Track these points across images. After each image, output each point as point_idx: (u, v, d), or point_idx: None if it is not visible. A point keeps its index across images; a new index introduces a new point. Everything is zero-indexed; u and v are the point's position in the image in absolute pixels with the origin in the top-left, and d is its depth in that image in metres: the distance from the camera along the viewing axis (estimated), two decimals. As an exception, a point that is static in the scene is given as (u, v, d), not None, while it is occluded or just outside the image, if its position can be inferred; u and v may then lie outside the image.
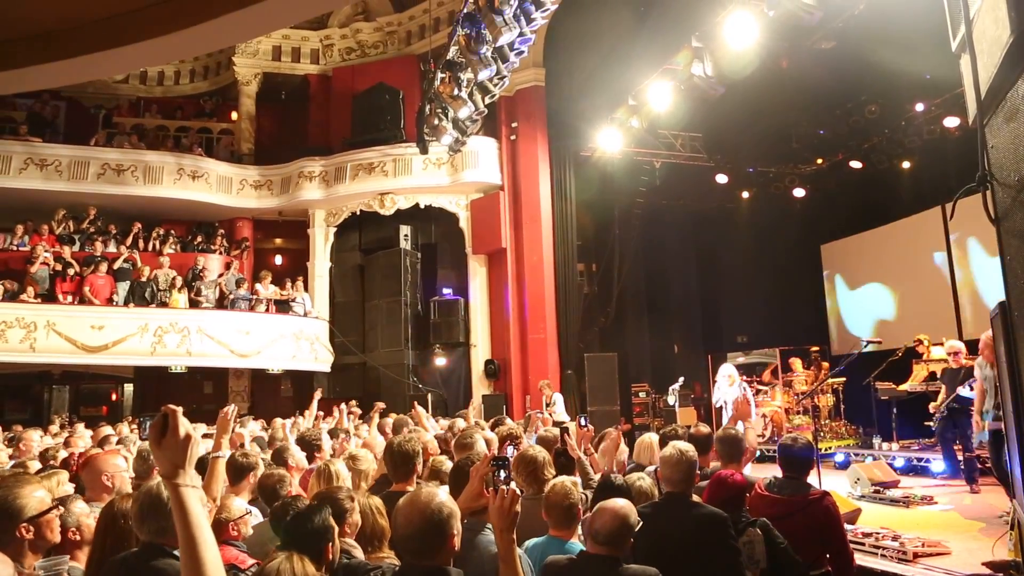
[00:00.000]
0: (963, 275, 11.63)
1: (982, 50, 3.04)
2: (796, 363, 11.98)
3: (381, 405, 7.80)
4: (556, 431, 4.88)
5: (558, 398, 10.67)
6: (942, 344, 9.20)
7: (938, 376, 9.15)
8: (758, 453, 8.86)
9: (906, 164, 12.76)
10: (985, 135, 3.14)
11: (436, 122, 11.52)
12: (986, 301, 10.83)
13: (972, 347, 9.46)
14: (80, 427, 8.67)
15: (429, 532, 2.17)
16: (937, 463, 8.80)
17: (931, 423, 9.36)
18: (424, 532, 2.17)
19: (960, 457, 8.11)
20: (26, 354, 12.38)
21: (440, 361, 14.81)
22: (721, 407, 9.50)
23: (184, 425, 1.54)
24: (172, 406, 1.57)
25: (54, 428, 9.83)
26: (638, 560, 2.84)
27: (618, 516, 2.71)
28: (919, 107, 11.66)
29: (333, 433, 6.52)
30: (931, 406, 8.77)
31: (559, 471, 3.98)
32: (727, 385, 9.25)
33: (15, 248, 13.77)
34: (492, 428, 5.62)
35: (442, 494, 2.35)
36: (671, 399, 12.51)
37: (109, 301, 13.28)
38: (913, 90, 11.58)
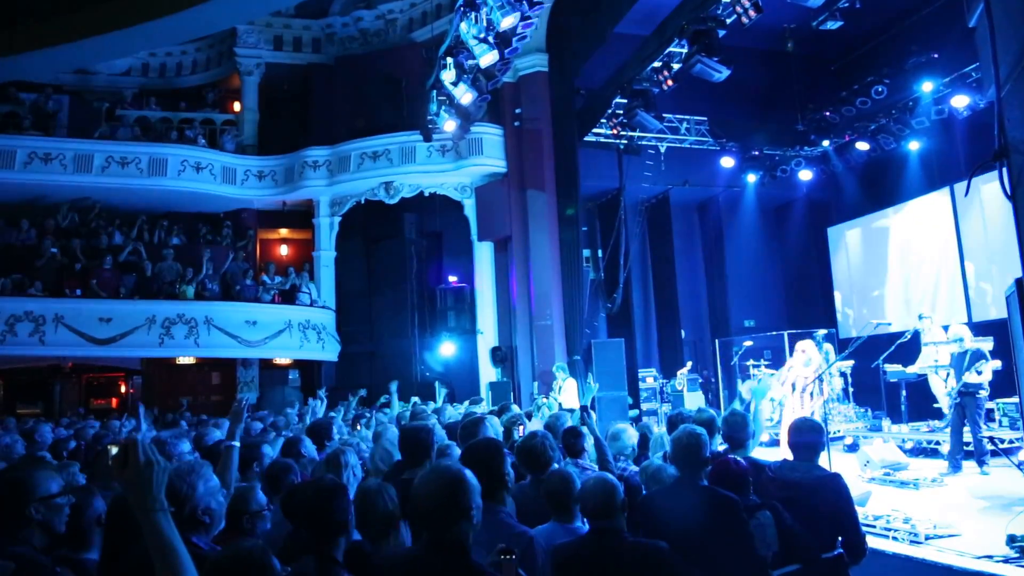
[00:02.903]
0: (972, 256, 11.53)
1: (1002, 21, 2.97)
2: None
3: None
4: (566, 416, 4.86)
5: (571, 384, 10.57)
6: (949, 326, 9.11)
7: (939, 363, 8.98)
8: (768, 437, 8.80)
9: (914, 145, 12.64)
10: (1003, 109, 3.07)
11: (439, 109, 11.47)
12: (995, 282, 10.73)
13: (978, 330, 9.37)
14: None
15: (448, 501, 2.14)
16: (946, 446, 8.70)
17: (939, 405, 9.31)
18: (443, 501, 2.14)
19: (969, 439, 8.01)
20: (35, 347, 12.46)
21: (447, 349, 14.81)
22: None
23: (145, 453, 1.61)
24: (132, 437, 1.65)
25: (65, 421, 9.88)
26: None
27: (605, 489, 2.76)
28: (927, 87, 11.52)
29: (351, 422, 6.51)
30: (936, 392, 8.68)
31: (568, 453, 3.99)
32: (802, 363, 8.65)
33: (21, 242, 13.81)
34: (499, 415, 5.61)
35: (462, 467, 2.34)
36: (679, 384, 12.46)
37: (116, 293, 13.32)
38: (921, 69, 11.45)
